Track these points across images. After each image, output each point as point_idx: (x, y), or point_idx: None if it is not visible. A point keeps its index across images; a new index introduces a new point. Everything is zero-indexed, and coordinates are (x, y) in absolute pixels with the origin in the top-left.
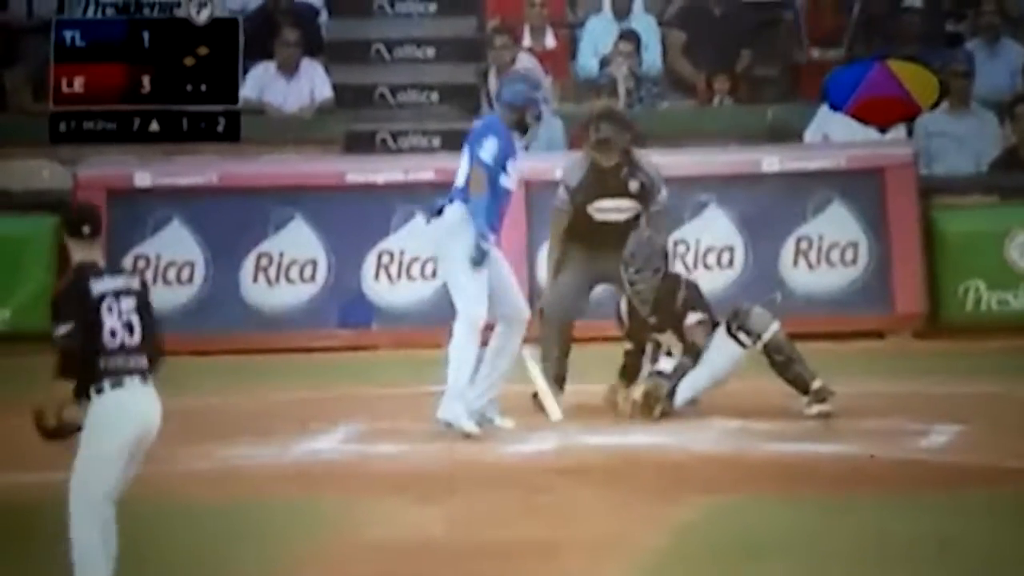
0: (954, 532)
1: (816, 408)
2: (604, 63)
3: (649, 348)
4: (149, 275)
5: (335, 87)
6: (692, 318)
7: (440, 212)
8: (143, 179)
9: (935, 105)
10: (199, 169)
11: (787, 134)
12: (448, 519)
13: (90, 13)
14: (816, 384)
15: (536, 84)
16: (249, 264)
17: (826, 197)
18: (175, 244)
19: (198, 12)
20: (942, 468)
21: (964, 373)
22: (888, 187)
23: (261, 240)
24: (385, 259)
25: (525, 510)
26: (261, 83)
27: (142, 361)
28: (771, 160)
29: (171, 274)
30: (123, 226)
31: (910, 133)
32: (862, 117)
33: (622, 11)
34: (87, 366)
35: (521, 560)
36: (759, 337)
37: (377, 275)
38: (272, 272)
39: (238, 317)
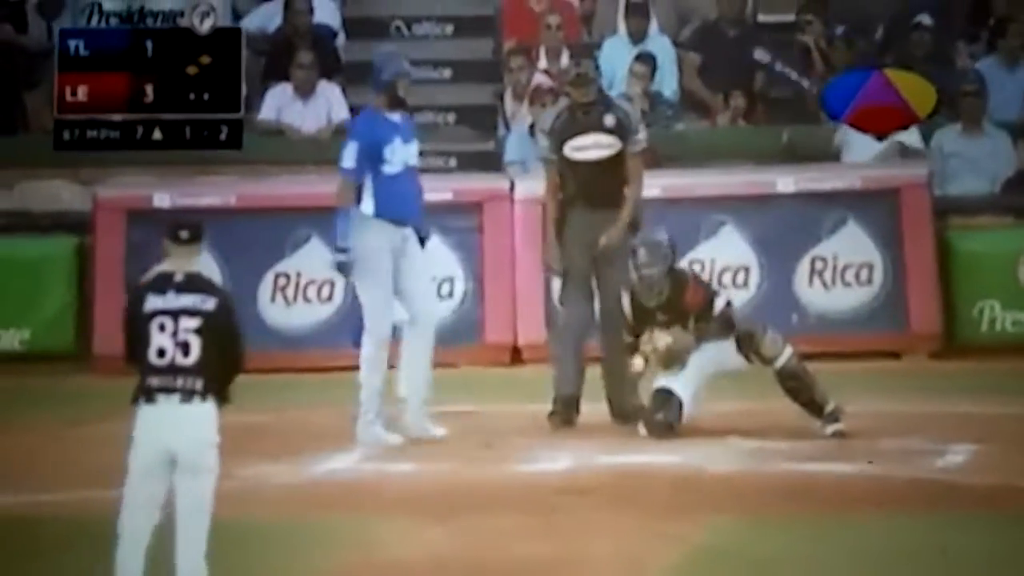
0: (973, 551)
1: (831, 428)
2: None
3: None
4: None
5: (352, 109)
6: (720, 302)
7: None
8: (162, 200)
9: (932, 114)
10: (217, 190)
11: (802, 154)
12: (463, 538)
13: (94, 22)
14: (830, 407)
15: (389, 55)
16: (267, 284)
17: (841, 217)
18: None
19: (201, 22)
20: (959, 488)
21: (980, 393)
22: (903, 207)
23: (279, 260)
24: None
25: (539, 529)
26: (279, 104)
27: (193, 382)
28: (786, 180)
29: None
30: (142, 247)
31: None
32: (860, 125)
33: (638, 33)
34: (139, 380)
35: None
36: (772, 362)
37: None
38: (290, 292)
39: (256, 336)
